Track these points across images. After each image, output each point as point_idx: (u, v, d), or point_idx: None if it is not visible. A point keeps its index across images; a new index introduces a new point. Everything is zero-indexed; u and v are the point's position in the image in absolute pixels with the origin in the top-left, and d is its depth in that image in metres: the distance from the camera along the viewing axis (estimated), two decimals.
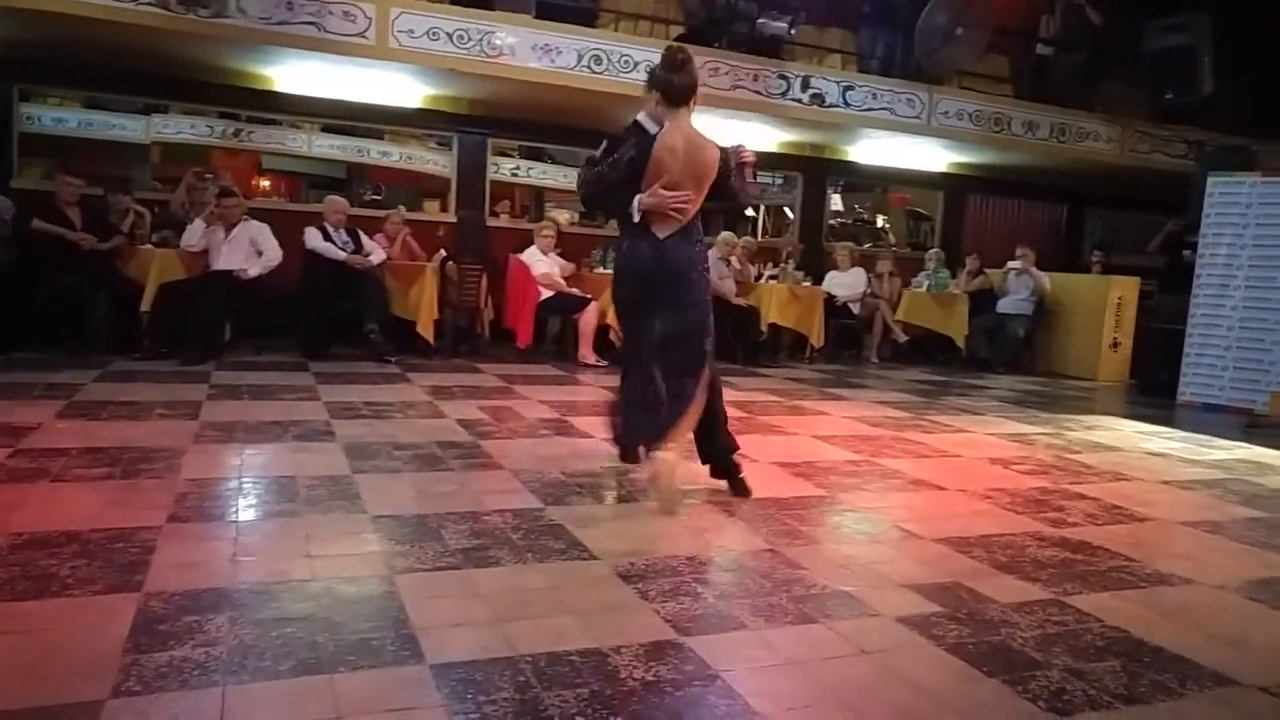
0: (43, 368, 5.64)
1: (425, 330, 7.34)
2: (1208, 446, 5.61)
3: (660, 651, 2.13)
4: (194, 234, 6.71)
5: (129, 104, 8.42)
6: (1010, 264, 9.47)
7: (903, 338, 9.45)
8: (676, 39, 8.72)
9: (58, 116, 8.14)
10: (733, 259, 8.65)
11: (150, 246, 6.84)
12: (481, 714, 1.78)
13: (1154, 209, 10.51)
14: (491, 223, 9.21)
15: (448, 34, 7.35)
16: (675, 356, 3.50)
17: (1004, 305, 9.43)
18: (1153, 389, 8.05)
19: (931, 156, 10.59)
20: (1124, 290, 9.24)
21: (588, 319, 7.70)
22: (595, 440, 4.47)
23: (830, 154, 10.53)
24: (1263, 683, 2.18)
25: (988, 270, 9.77)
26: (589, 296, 7.82)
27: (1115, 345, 9.21)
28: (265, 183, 11.56)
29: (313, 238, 7.06)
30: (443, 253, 7.88)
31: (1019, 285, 9.37)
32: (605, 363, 7.28)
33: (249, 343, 7.09)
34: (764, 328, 8.61)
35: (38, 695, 1.75)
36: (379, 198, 10.61)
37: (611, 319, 7.17)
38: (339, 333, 7.22)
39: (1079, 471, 4.57)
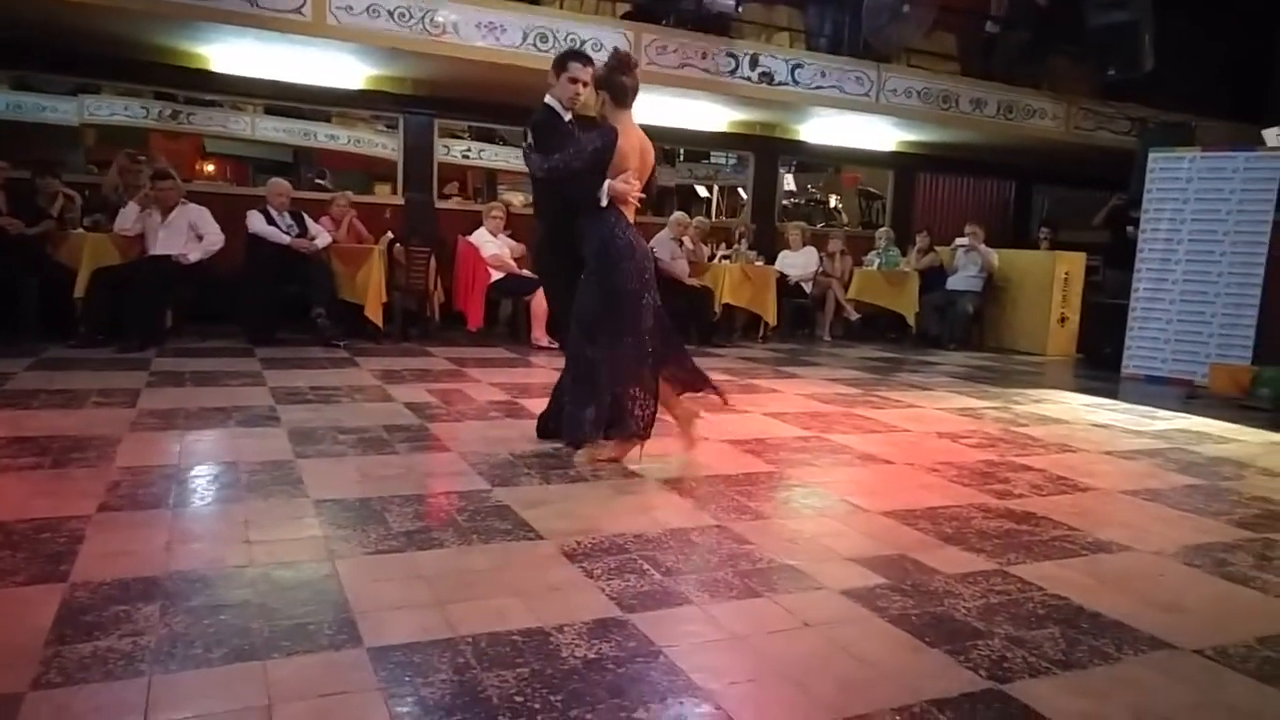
0: None
1: (373, 314, 7.21)
2: (1150, 418, 5.75)
3: (604, 629, 2.11)
4: (128, 217, 6.51)
5: (59, 85, 8.12)
6: (959, 241, 9.59)
7: (854, 316, 9.54)
8: (623, 16, 8.67)
9: None
10: (685, 239, 8.63)
11: (82, 231, 6.61)
12: (418, 696, 1.75)
13: (1099, 185, 10.70)
14: (441, 205, 9.08)
15: (388, 11, 7.18)
16: (660, 331, 3.79)
17: (953, 282, 9.55)
18: (1098, 362, 8.23)
19: (881, 135, 10.66)
20: (1070, 265, 9.40)
21: (539, 301, 7.62)
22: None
23: (781, 133, 10.53)
24: (1197, 645, 2.22)
25: (937, 248, 9.89)
26: None
27: (1063, 320, 9.38)
28: (210, 167, 11.27)
29: (255, 221, 6.90)
30: (389, 235, 7.74)
31: (968, 262, 9.50)
32: (557, 345, 7.21)
33: (192, 329, 6.91)
34: (718, 308, 8.62)
35: None
36: (323, 182, 10.38)
37: None
38: (285, 317, 7.07)
39: (1025, 444, 4.64)
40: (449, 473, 3.47)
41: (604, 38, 7.91)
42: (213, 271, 6.72)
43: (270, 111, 9.02)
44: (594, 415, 3.72)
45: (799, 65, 9.01)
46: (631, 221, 3.79)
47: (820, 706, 1.82)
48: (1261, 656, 2.19)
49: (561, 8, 8.48)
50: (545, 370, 6.26)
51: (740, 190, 11.85)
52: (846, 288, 9.61)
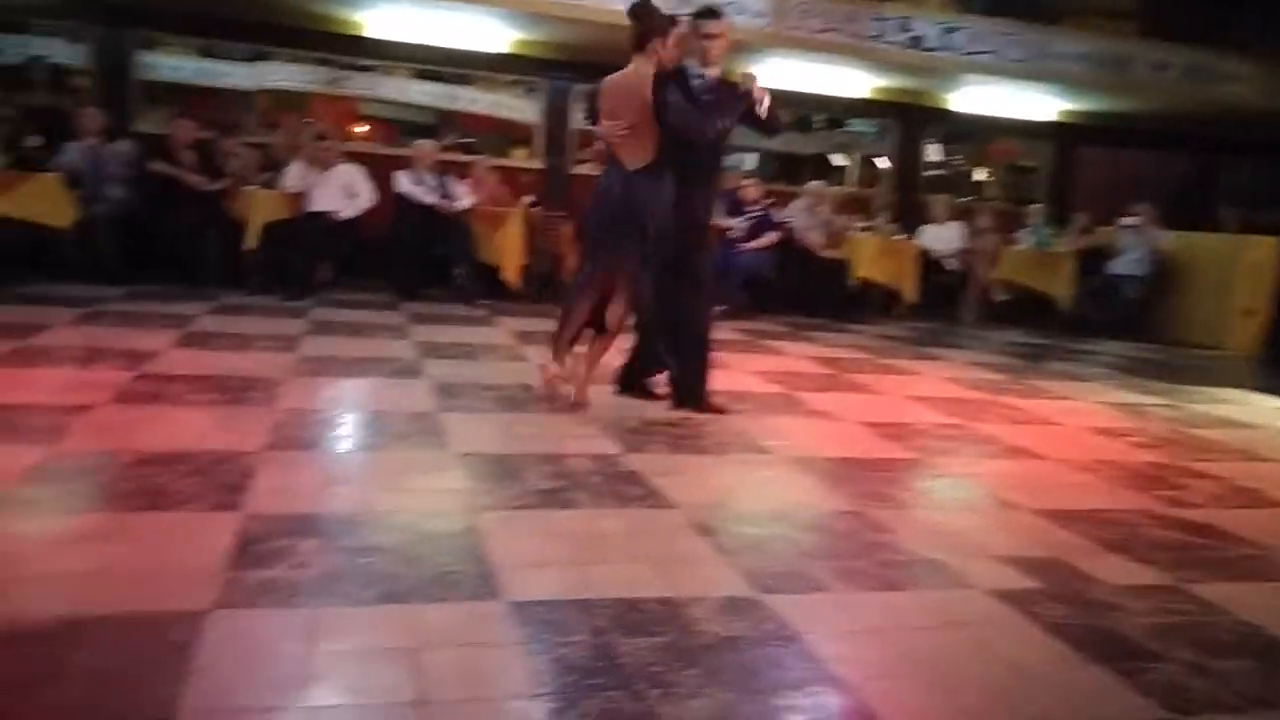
0: (163, 299, 5.93)
1: (510, 275, 7.41)
2: None
3: (737, 607, 2.10)
4: (293, 176, 6.90)
5: (238, 52, 8.65)
6: (1125, 221, 8.89)
7: (1001, 296, 9.06)
8: None
9: (174, 64, 8.42)
10: (821, 209, 8.39)
11: (255, 188, 7.07)
12: (557, 655, 1.80)
13: None
14: (575, 170, 9.17)
15: None
16: None
17: (1116, 265, 8.86)
18: None
19: (1040, 104, 9.95)
20: (1261, 251, 8.36)
21: None
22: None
23: (928, 101, 9.99)
24: None
25: (1098, 228, 9.23)
26: None
27: (1249, 312, 8.39)
28: (363, 128, 11.77)
29: (402, 181, 7.19)
30: (528, 199, 7.90)
31: (1134, 244, 8.80)
32: None
33: (345, 282, 7.29)
34: (853, 281, 8.38)
35: (149, 601, 1.86)
36: (471, 140, 10.65)
37: None
38: (429, 275, 7.36)
39: (1201, 447, 4.25)
40: (581, 435, 3.53)
41: (746, 1, 7.69)
42: (365, 228, 7.07)
43: (419, 75, 9.31)
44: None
45: (952, 29, 8.48)
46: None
47: (967, 713, 1.75)
48: None
49: None
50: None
51: (879, 160, 11.38)
52: (993, 266, 9.13)
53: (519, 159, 9.42)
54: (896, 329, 7.96)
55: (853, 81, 9.32)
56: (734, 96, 3.80)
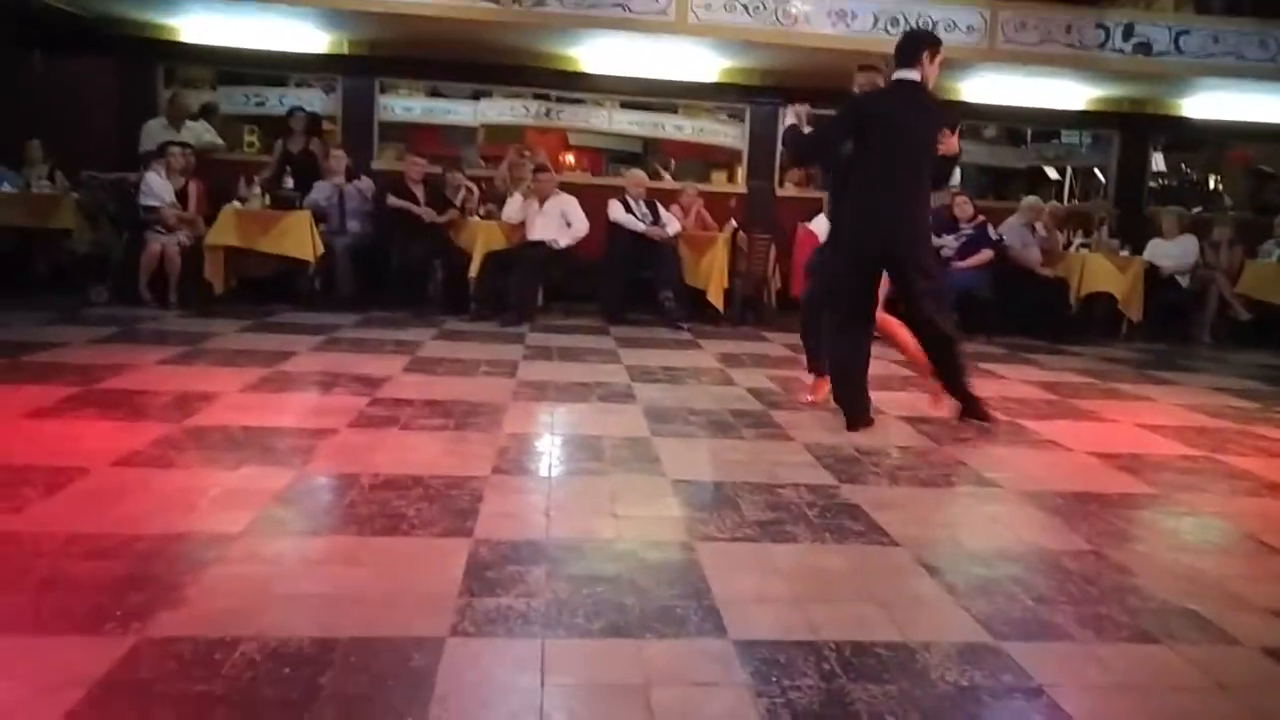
0: (392, 326, 6.45)
1: (715, 298, 7.46)
2: None
3: (974, 654, 1.97)
4: (513, 207, 7.31)
5: (461, 90, 9.32)
6: None
7: (1245, 315, 8.05)
8: None
9: (406, 105, 9.19)
10: (1038, 225, 7.87)
11: (478, 219, 7.55)
12: (787, 699, 1.75)
13: None
14: (780, 192, 9.13)
15: (743, 5, 7.36)
16: None
17: None
18: None
19: None
20: None
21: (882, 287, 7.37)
22: (888, 416, 4.29)
23: (1154, 108, 9.24)
24: None
25: None
26: None
27: None
28: (571, 158, 12.29)
29: (615, 210, 7.43)
30: (734, 223, 7.93)
31: None
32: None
33: (558, 306, 7.62)
34: (1074, 301, 7.76)
35: (391, 625, 1.98)
36: (668, 171, 10.86)
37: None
38: (637, 299, 7.55)
39: None
40: (795, 463, 3.46)
41: (957, 18, 7.52)
42: (577, 255, 7.36)
43: (625, 105, 9.60)
44: None
45: (1184, 31, 7.83)
46: None
47: None
48: None
49: None
50: (882, 362, 6.01)
51: (1096, 172, 10.57)
52: (1234, 282, 8.14)
53: (719, 183, 9.52)
54: (1122, 351, 7.28)
55: (1069, 93, 8.80)
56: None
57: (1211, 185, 11.83)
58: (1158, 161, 10.83)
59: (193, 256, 6.80)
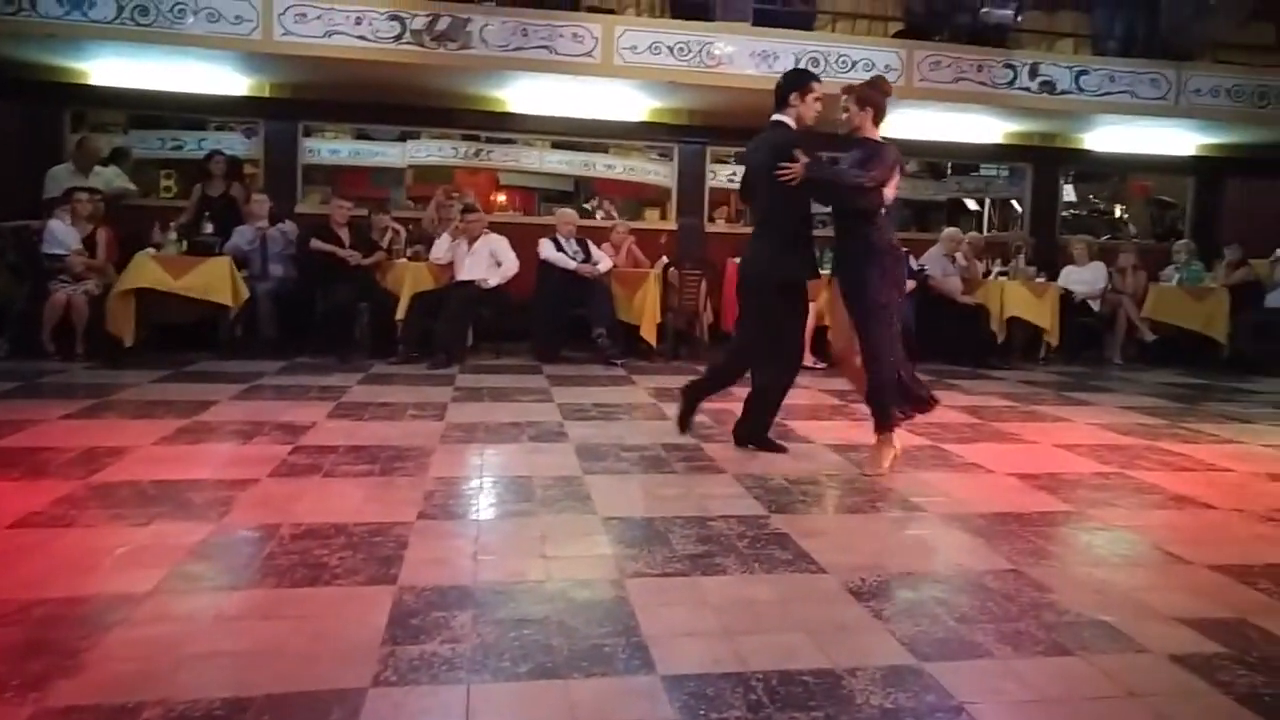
0: (317, 371, 6.32)
1: (648, 334, 7.51)
2: None
3: (899, 677, 2.00)
4: (441, 248, 7.27)
5: (388, 132, 9.27)
6: None
7: (1150, 336, 8.49)
8: (895, 35, 8.50)
9: (332, 148, 9.11)
10: (958, 255, 8.18)
11: (405, 260, 7.48)
12: None
13: None
14: (710, 228, 9.29)
15: (669, 47, 7.56)
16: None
17: (1274, 299, 8.24)
18: None
19: (1179, 139, 9.61)
20: None
21: (808, 322, 7.50)
22: (816, 445, 4.36)
23: (1062, 142, 9.84)
24: None
25: (1251, 261, 8.57)
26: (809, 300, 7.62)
27: None
28: (502, 198, 12.30)
29: (546, 248, 7.45)
30: (664, 259, 8.01)
31: None
32: (823, 365, 7.04)
33: (488, 347, 7.57)
34: (995, 326, 8.04)
35: (310, 680, 1.91)
36: (598, 208, 10.95)
37: (828, 320, 6.95)
38: (569, 337, 7.55)
39: None
40: (726, 495, 3.48)
41: (876, 58, 7.89)
42: (508, 294, 7.34)
43: (556, 145, 9.68)
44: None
45: (1084, 71, 8.41)
46: None
47: None
48: None
49: (833, 31, 8.45)
50: (810, 391, 6.13)
51: (1014, 203, 11.10)
52: (1140, 306, 8.58)
53: (651, 221, 9.65)
54: (1040, 374, 7.57)
55: (985, 128, 9.25)
56: None
57: (1117, 214, 12.48)
58: (1068, 192, 11.40)
59: (102, 306, 6.54)
